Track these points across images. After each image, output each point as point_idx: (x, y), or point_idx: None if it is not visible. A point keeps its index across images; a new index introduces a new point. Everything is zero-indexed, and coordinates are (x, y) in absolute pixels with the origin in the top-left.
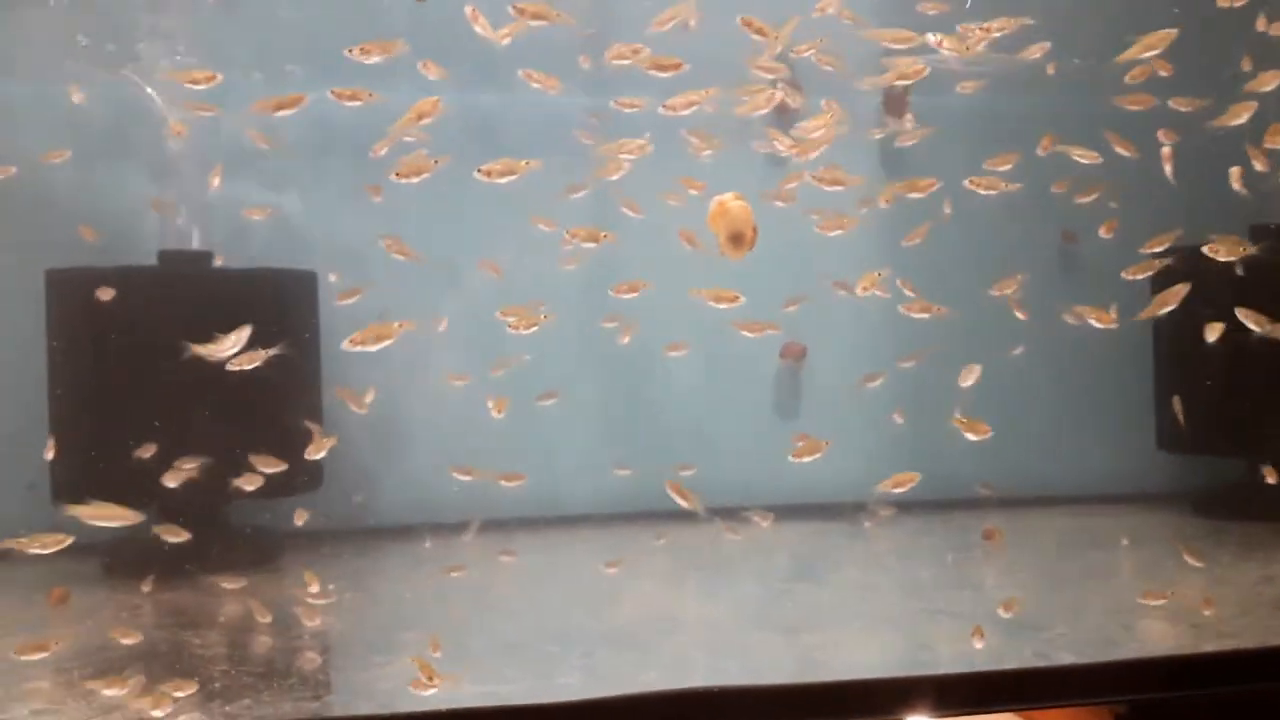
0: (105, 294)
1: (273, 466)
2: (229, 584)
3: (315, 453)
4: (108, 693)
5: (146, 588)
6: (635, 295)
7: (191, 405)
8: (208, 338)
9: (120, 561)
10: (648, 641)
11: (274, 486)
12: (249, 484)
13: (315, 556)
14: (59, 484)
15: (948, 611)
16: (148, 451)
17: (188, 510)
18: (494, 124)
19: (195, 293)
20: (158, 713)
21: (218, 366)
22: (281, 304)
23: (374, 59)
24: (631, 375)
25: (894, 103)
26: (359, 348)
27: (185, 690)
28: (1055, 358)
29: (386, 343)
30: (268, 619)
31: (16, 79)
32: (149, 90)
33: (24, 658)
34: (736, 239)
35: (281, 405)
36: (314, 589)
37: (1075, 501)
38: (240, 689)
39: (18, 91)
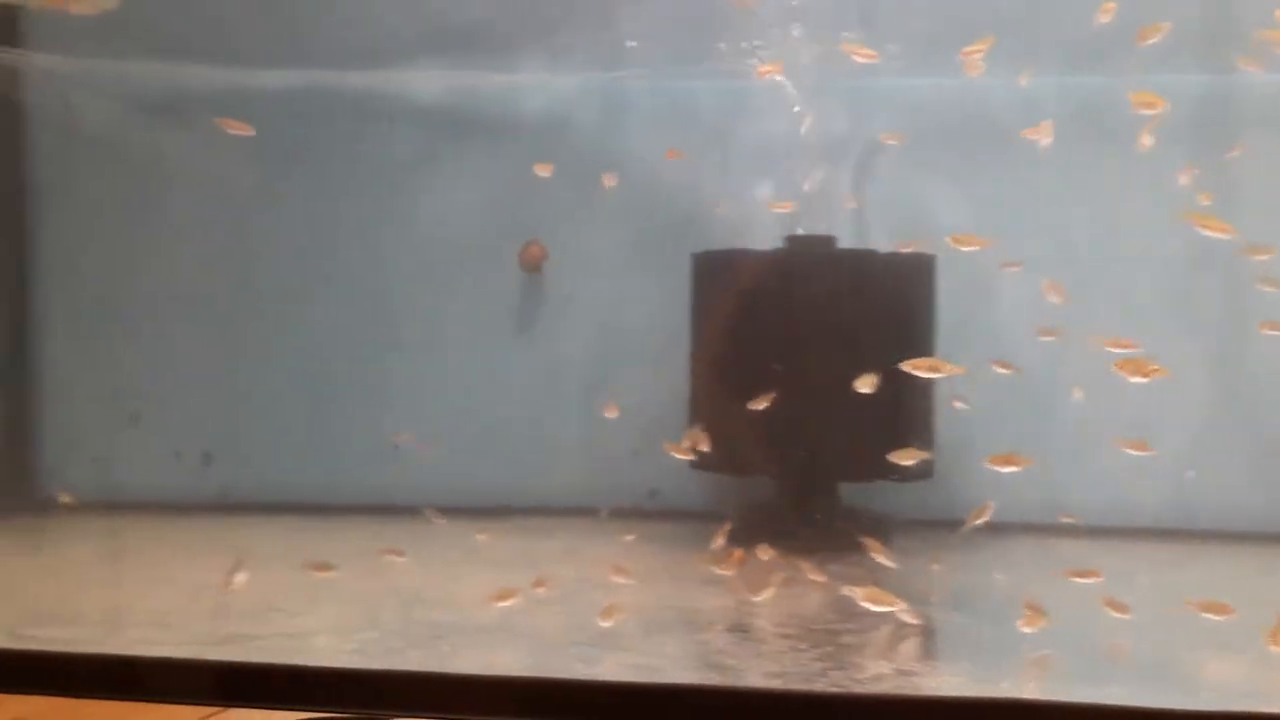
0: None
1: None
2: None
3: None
4: None
5: (765, 555)
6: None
7: (816, 382)
8: (833, 316)
9: (744, 528)
10: None
11: (893, 470)
12: (905, 459)
13: (927, 544)
14: (696, 452)
15: None
16: (776, 424)
17: (803, 486)
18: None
19: (822, 274)
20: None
21: (841, 347)
22: (901, 286)
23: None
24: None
25: None
26: None
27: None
28: None
29: None
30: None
31: (647, 74)
32: (779, 77)
33: None
34: None
35: (898, 388)
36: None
37: None
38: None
39: (640, 87)
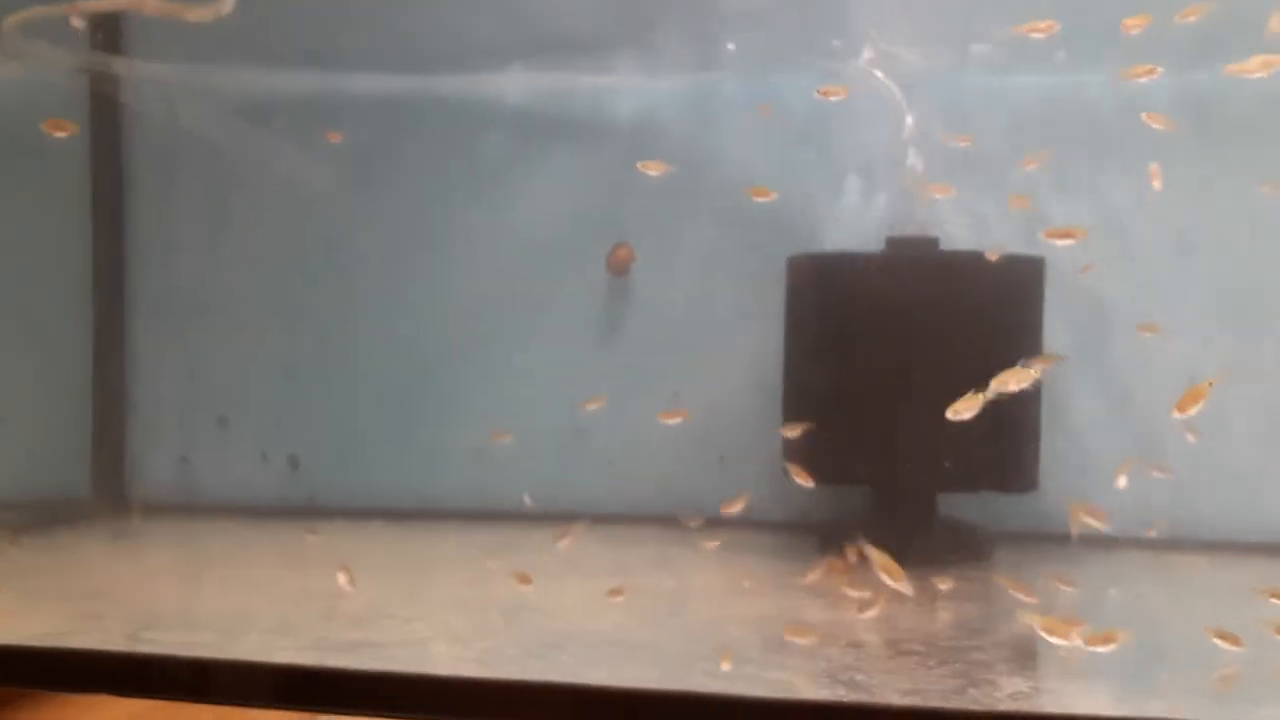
0: None
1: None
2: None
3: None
4: None
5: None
6: None
7: (913, 388)
8: (935, 321)
9: (834, 538)
10: None
11: (991, 481)
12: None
13: (1029, 557)
14: (789, 459)
15: None
16: (869, 432)
17: (902, 496)
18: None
19: (923, 277)
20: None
21: (940, 352)
22: (1007, 289)
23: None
24: None
25: None
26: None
27: None
28: None
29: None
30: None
31: (744, 75)
32: (883, 79)
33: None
34: None
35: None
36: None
37: None
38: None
39: (737, 88)
